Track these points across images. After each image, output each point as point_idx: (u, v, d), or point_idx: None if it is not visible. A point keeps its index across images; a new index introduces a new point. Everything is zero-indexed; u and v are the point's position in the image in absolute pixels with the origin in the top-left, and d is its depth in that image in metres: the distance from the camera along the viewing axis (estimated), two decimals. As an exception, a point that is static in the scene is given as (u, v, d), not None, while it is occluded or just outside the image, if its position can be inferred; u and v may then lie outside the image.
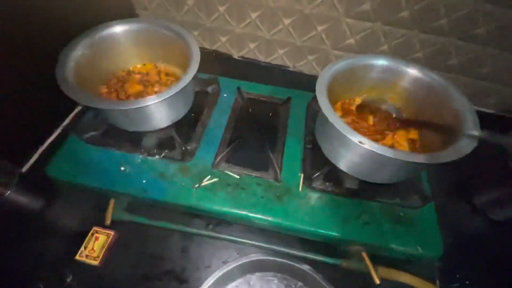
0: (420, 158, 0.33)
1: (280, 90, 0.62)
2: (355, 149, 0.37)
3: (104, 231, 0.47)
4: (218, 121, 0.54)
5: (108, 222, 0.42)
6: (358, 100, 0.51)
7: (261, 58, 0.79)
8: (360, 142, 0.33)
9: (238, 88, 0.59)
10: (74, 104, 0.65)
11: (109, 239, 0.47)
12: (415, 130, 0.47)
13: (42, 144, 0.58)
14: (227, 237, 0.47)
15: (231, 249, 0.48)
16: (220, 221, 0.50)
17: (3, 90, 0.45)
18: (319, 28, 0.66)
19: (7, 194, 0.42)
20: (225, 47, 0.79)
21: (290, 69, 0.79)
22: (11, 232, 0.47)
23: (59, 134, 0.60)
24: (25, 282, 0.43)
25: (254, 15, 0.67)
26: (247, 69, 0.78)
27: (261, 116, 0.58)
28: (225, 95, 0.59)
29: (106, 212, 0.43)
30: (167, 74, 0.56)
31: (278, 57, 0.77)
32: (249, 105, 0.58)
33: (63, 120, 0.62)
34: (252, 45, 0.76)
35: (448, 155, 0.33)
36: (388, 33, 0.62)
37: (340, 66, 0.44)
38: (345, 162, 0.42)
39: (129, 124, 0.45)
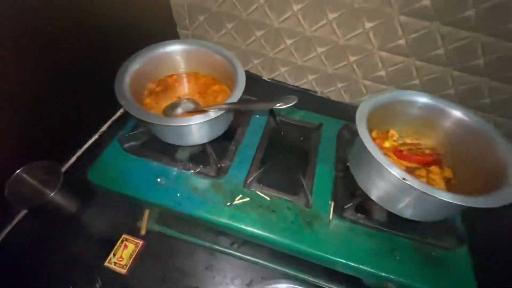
0: (470, 202, 0.32)
1: (311, 115, 0.63)
2: (396, 184, 0.37)
3: (133, 239, 0.48)
4: (250, 141, 0.56)
5: (143, 232, 0.43)
6: (392, 133, 0.51)
7: (290, 81, 0.82)
8: (404, 179, 0.33)
9: (271, 111, 0.61)
10: (113, 111, 0.69)
11: (138, 248, 0.48)
12: (449, 168, 0.47)
13: (80, 147, 0.61)
14: (252, 258, 0.48)
15: (255, 271, 0.48)
16: (245, 241, 0.51)
17: (52, 94, 0.49)
18: (352, 58, 0.68)
19: (52, 195, 0.44)
20: (256, 69, 0.82)
21: (318, 94, 0.81)
22: (48, 233, 0.48)
23: (96, 139, 0.64)
24: (56, 283, 0.44)
25: (289, 42, 0.70)
26: (274, 90, 0.81)
27: (293, 139, 0.59)
28: (257, 116, 0.61)
29: (140, 222, 0.45)
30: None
31: (307, 82, 0.80)
32: (281, 128, 0.60)
33: (102, 125, 0.66)
34: (283, 69, 0.79)
35: (497, 200, 0.33)
36: (421, 68, 0.64)
37: (381, 99, 0.45)
38: (381, 195, 0.41)
39: (170, 138, 0.47)
